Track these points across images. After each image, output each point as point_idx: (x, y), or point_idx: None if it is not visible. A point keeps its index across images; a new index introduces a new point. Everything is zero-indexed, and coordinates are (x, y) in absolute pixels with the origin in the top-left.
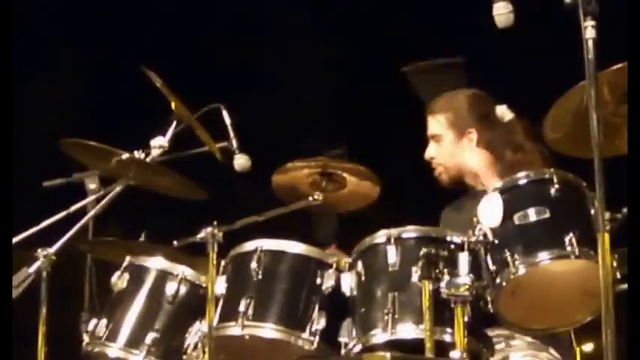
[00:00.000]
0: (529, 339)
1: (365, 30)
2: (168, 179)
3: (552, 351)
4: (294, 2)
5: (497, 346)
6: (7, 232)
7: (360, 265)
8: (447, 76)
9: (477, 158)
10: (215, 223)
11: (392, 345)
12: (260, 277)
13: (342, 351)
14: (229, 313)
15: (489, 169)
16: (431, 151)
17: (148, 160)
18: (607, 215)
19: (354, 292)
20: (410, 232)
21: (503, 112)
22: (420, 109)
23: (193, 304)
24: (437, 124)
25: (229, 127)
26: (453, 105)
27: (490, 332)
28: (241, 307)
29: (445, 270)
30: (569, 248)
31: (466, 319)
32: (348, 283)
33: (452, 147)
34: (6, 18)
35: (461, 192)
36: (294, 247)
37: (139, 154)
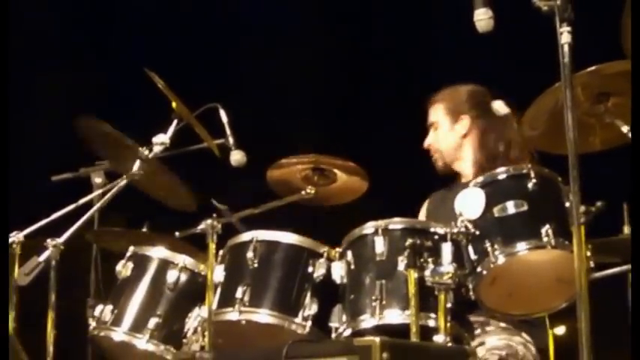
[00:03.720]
0: (502, 324)
1: (352, 32)
2: (168, 181)
3: (525, 335)
4: (286, 9)
5: (474, 332)
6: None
7: (349, 254)
8: None
9: (467, 144)
10: (214, 215)
11: (380, 329)
12: (256, 265)
13: (333, 335)
14: (227, 300)
15: (473, 154)
16: (429, 139)
17: (150, 155)
18: (582, 208)
19: (344, 280)
20: (396, 223)
21: (500, 106)
22: (407, 109)
23: (193, 291)
24: (435, 112)
25: (226, 125)
26: (452, 95)
27: (473, 318)
28: (238, 294)
29: (429, 259)
30: (545, 239)
31: (449, 305)
32: (339, 272)
33: (447, 133)
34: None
35: (445, 183)
36: (287, 237)
37: (142, 150)
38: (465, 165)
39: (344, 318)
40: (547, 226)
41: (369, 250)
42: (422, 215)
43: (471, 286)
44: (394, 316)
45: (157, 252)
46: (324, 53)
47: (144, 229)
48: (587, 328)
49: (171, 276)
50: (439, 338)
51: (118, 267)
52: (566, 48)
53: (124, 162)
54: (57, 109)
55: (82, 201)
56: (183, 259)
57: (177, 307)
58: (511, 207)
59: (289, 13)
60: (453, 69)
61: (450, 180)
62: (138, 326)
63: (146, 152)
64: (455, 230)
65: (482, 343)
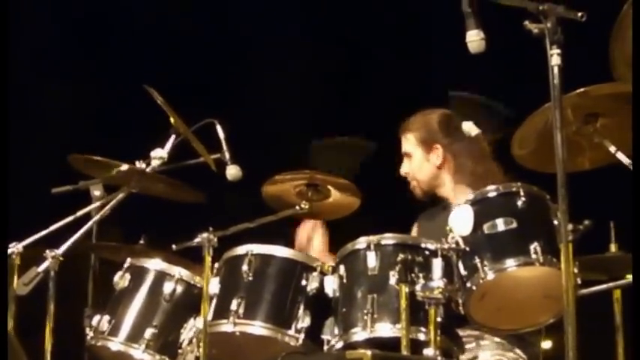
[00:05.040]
0: (497, 339)
1: (347, 48)
2: (167, 186)
3: (518, 351)
4: (283, 26)
5: (468, 345)
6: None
7: (342, 268)
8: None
9: (444, 172)
10: (210, 228)
11: (371, 342)
12: (250, 278)
13: (325, 347)
14: (222, 312)
15: (453, 179)
16: (404, 168)
17: (148, 169)
18: (569, 226)
19: (337, 294)
20: (388, 239)
21: (470, 127)
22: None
23: (188, 303)
24: (408, 142)
25: (222, 141)
26: (422, 124)
27: (461, 332)
28: (233, 306)
29: (420, 274)
30: (534, 256)
31: (439, 319)
32: (331, 285)
33: (421, 163)
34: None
35: (433, 202)
36: (281, 251)
37: (140, 164)
38: (446, 190)
39: (336, 331)
40: (535, 243)
41: (361, 265)
42: (414, 234)
43: (460, 301)
44: (385, 329)
45: (154, 264)
46: (320, 71)
47: (141, 242)
48: (573, 343)
49: (168, 287)
50: (429, 352)
51: (116, 278)
52: (555, 70)
53: (121, 179)
54: (57, 122)
55: (80, 213)
56: (179, 271)
57: (173, 318)
58: (501, 224)
59: (285, 30)
60: (447, 85)
61: (433, 200)
62: (134, 336)
63: (144, 166)
64: (445, 246)
65: (475, 358)
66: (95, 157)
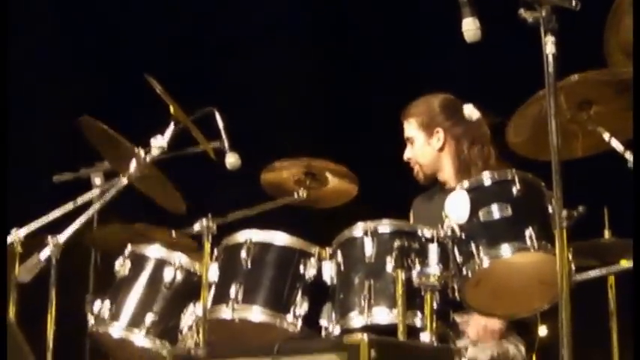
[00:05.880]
0: None
1: (343, 37)
2: (161, 186)
3: (515, 335)
4: (280, 15)
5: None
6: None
7: (339, 255)
8: None
9: (445, 156)
10: (210, 216)
11: (368, 328)
12: (249, 265)
13: (323, 333)
14: (221, 298)
15: (453, 163)
16: (407, 153)
17: (148, 158)
18: (564, 213)
19: (334, 280)
20: (385, 225)
21: (471, 110)
22: (396, 114)
23: (188, 289)
24: (410, 127)
25: (222, 129)
26: (424, 108)
27: (458, 318)
28: (232, 293)
29: (416, 260)
30: (529, 242)
31: (435, 305)
32: (329, 272)
33: (424, 147)
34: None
35: (427, 186)
36: (280, 238)
37: (140, 152)
38: (447, 174)
39: (333, 317)
40: (530, 229)
41: (358, 251)
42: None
43: (456, 287)
44: (382, 315)
45: (154, 251)
46: (317, 59)
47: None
48: (568, 329)
49: (168, 274)
50: (425, 337)
51: (117, 265)
52: (550, 58)
53: (123, 163)
54: (57, 111)
55: (81, 200)
56: (179, 259)
57: (172, 305)
58: (496, 211)
59: (282, 18)
60: (442, 73)
61: (432, 185)
62: (135, 322)
63: (144, 154)
64: (441, 233)
65: (473, 342)
66: (104, 126)
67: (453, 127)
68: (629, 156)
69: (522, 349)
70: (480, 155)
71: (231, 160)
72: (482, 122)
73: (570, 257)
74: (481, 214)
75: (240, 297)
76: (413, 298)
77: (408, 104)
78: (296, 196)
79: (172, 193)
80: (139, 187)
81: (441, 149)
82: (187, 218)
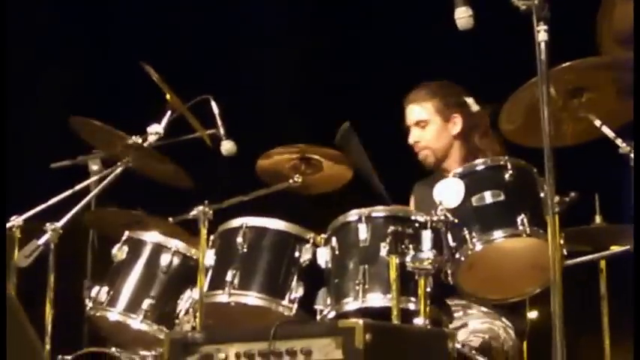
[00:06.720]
0: (484, 309)
1: (339, 26)
2: (162, 165)
3: (504, 320)
4: (276, 4)
5: (456, 314)
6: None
7: (334, 240)
8: None
9: (456, 143)
10: (206, 202)
11: (362, 312)
12: (245, 250)
13: (318, 317)
14: (217, 283)
15: (461, 151)
16: (415, 137)
17: (145, 144)
18: (556, 198)
19: (329, 265)
20: (379, 211)
21: (471, 103)
22: (390, 99)
23: (185, 274)
24: (423, 110)
25: (217, 116)
26: (439, 93)
27: (450, 302)
28: (228, 277)
29: (410, 246)
30: (521, 227)
31: (428, 289)
32: (324, 257)
33: (439, 131)
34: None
35: (427, 172)
36: (275, 223)
37: (136, 139)
38: (453, 161)
39: (328, 301)
40: (523, 215)
41: (352, 237)
42: (412, 205)
43: (449, 272)
44: (376, 299)
45: (151, 236)
46: (312, 46)
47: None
48: (560, 313)
49: (165, 260)
50: (419, 321)
51: (114, 250)
52: (542, 45)
53: (119, 151)
54: (55, 99)
55: (79, 187)
56: (175, 244)
57: (169, 290)
58: (488, 197)
59: (279, 7)
60: (436, 62)
61: (431, 170)
62: (132, 307)
63: (140, 141)
64: (435, 218)
65: (465, 325)
66: (95, 121)
67: (469, 116)
68: (620, 142)
69: (512, 333)
70: (489, 146)
71: (228, 146)
72: (483, 114)
73: (562, 242)
74: (474, 199)
75: (236, 281)
76: (407, 283)
77: (414, 88)
78: (291, 181)
79: (176, 170)
80: (142, 171)
81: (457, 136)
82: (184, 207)
